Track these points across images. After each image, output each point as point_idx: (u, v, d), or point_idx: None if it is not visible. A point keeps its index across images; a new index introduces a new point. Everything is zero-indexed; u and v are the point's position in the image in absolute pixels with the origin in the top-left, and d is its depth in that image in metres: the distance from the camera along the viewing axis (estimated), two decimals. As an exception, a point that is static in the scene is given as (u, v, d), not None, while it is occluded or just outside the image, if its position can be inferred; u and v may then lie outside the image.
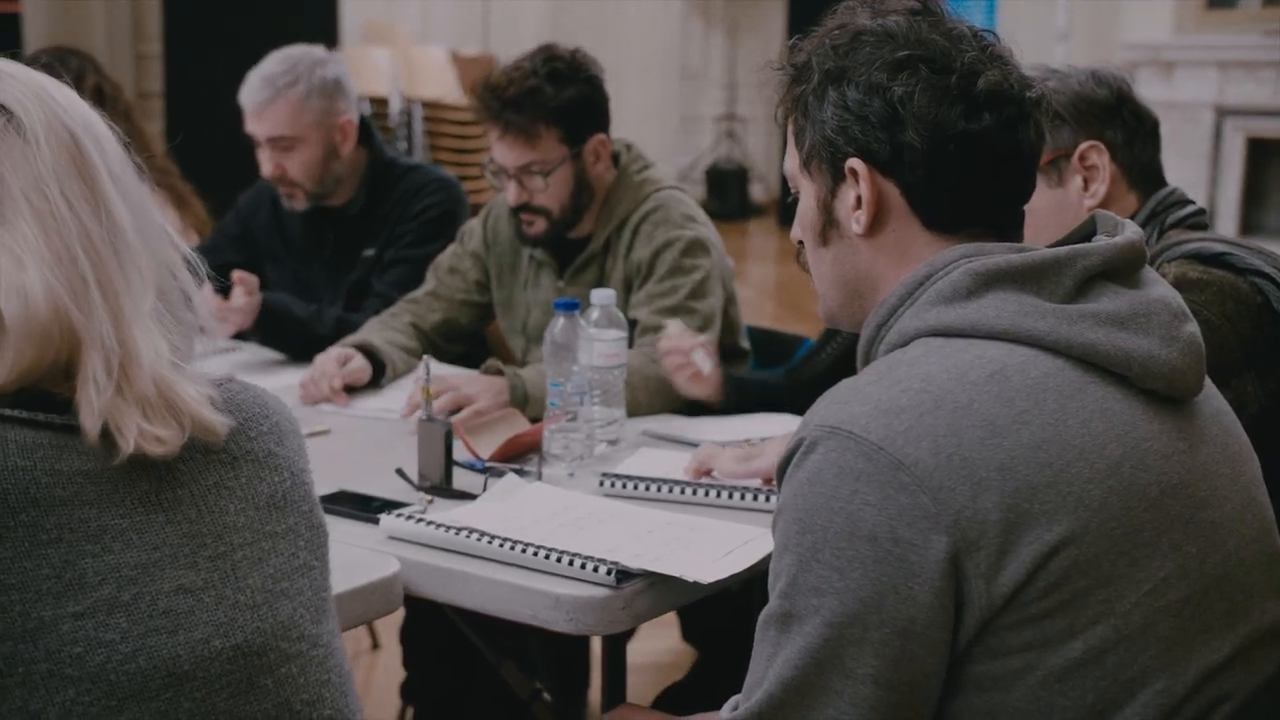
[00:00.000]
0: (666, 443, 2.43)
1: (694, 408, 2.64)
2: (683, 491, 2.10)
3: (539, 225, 2.80)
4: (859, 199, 1.44)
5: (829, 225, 1.49)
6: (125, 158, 1.27)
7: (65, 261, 1.17)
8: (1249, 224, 8.96)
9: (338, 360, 2.70)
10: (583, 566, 1.77)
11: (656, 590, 1.80)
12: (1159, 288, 1.41)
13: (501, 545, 1.83)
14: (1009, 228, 1.46)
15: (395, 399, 2.66)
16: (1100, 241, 1.40)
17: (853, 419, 1.30)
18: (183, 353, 1.25)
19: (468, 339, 3.05)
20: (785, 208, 10.55)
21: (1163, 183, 2.08)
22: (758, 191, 10.92)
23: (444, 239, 3.16)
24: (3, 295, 1.14)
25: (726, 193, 10.54)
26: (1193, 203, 2.05)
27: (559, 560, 1.79)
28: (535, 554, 1.80)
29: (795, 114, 1.50)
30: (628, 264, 2.80)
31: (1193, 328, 1.40)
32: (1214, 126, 8.88)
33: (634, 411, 2.51)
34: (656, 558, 1.82)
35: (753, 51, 10.91)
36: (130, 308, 1.20)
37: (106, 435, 1.16)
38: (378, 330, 2.87)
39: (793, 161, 1.52)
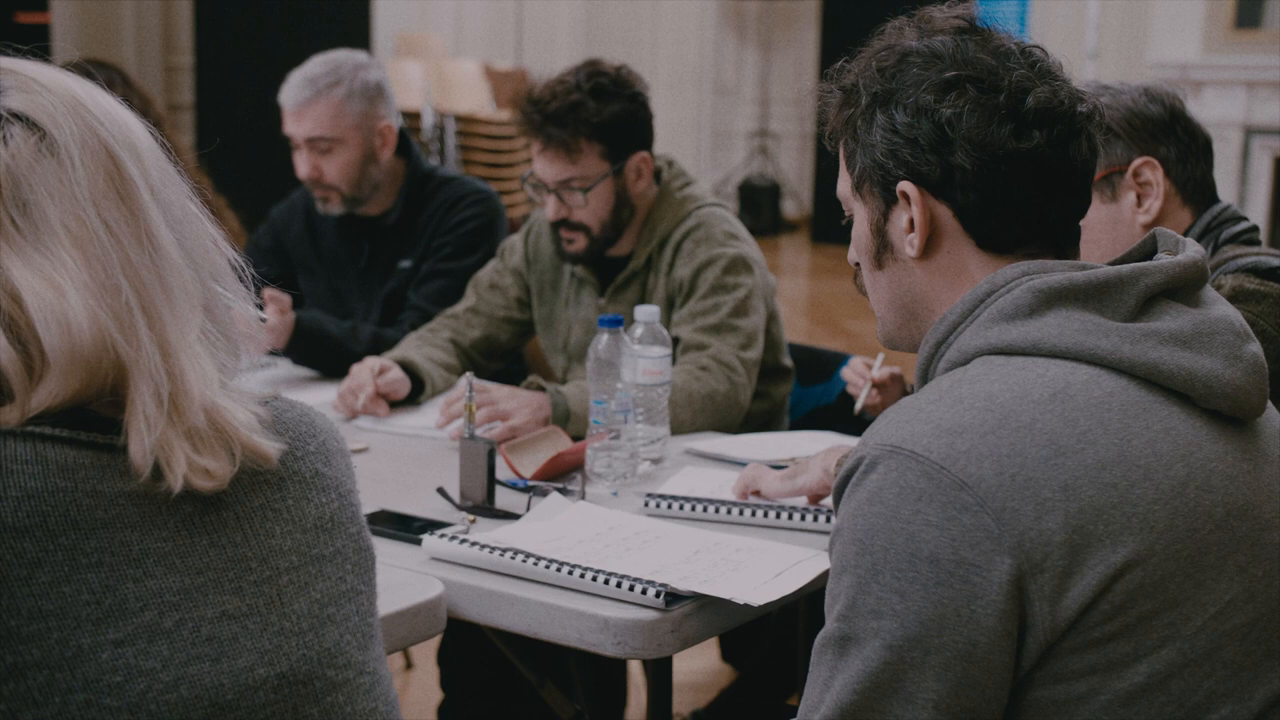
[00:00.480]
0: (710, 461, 2.40)
1: (740, 425, 2.61)
2: (729, 512, 2.06)
3: (579, 242, 2.78)
4: (911, 222, 1.42)
5: (883, 249, 1.47)
6: (166, 166, 1.23)
7: (108, 290, 1.13)
8: (1276, 241, 8.91)
9: (372, 370, 2.67)
10: (630, 588, 1.73)
11: (705, 613, 1.77)
12: (1221, 307, 1.38)
13: (547, 567, 1.80)
14: (1066, 245, 1.43)
15: (435, 416, 2.63)
16: (1163, 260, 1.37)
17: (914, 438, 1.27)
18: (230, 370, 1.22)
19: (507, 356, 3.02)
20: (817, 224, 10.54)
21: (1215, 199, 2.06)
22: (790, 207, 10.88)
23: (482, 252, 3.14)
24: (43, 325, 1.10)
25: (759, 208, 10.52)
26: (1245, 219, 2.04)
27: (606, 582, 1.75)
28: (582, 575, 1.77)
29: (845, 137, 1.49)
30: (669, 282, 2.77)
31: (1255, 348, 1.37)
32: (1242, 145, 8.85)
33: (677, 430, 2.48)
34: (705, 579, 1.79)
35: (786, 68, 10.89)
36: (177, 335, 1.16)
37: (155, 465, 1.13)
38: (416, 346, 2.84)
39: (845, 185, 1.51)
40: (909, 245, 1.43)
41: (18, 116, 1.14)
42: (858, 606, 1.27)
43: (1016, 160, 1.37)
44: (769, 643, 2.85)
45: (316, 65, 3.12)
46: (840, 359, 3.06)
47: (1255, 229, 2.03)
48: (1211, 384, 1.31)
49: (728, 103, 11.01)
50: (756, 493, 2.11)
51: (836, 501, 1.34)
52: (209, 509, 1.17)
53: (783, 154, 10.91)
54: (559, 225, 2.77)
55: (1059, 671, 1.25)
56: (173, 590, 1.14)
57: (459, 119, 8.89)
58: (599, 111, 2.69)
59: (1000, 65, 1.39)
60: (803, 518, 2.03)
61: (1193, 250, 1.39)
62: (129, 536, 1.12)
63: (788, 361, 2.92)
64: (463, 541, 1.89)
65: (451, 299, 3.03)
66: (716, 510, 2.07)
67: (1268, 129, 8.76)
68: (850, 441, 2.09)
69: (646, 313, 2.35)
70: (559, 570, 1.79)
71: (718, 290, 2.70)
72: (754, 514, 2.05)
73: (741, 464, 2.35)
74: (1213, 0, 9.07)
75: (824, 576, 1.83)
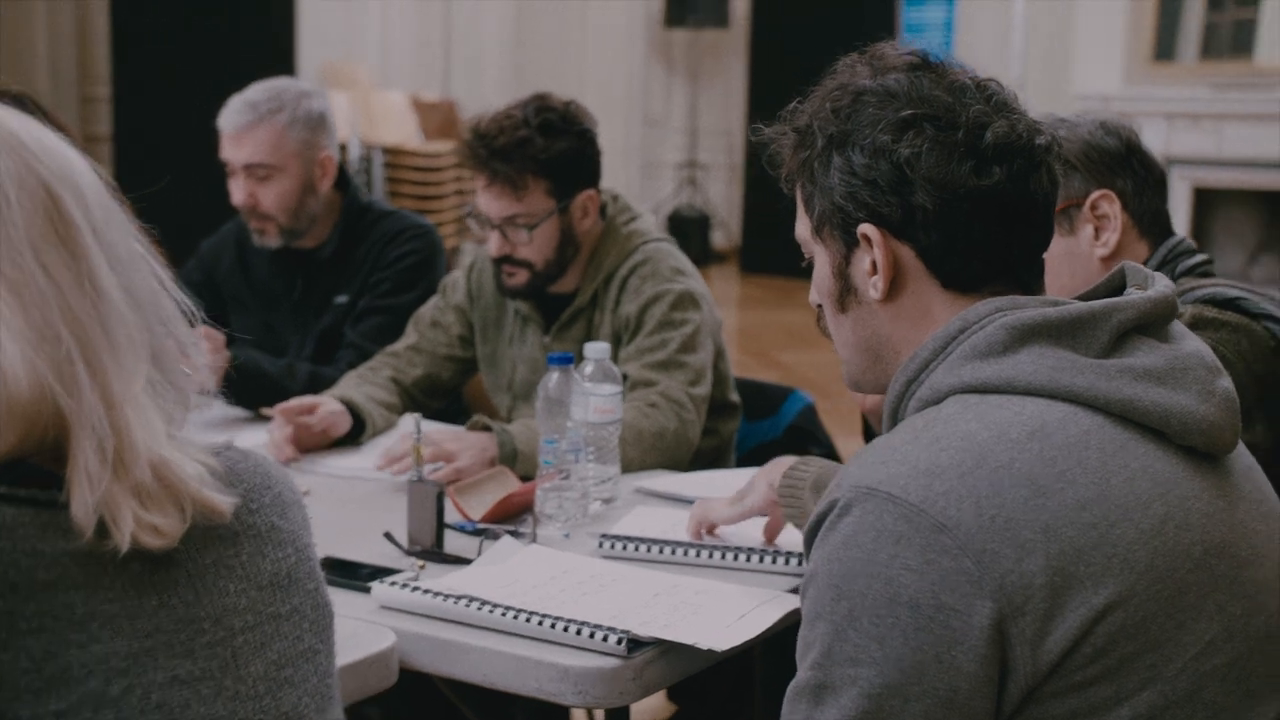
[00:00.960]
0: (662, 500, 2.35)
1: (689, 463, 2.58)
2: (685, 553, 2.02)
3: (520, 277, 2.73)
4: (874, 264, 1.40)
5: (846, 292, 1.45)
6: (110, 204, 1.16)
7: (47, 339, 1.06)
8: (1206, 270, 9.04)
9: (308, 408, 2.61)
10: (591, 635, 1.69)
11: (668, 659, 1.73)
12: (1191, 342, 1.37)
13: (504, 614, 1.75)
14: (1030, 280, 1.41)
15: (375, 458, 2.57)
16: (1134, 295, 1.36)
17: (890, 479, 1.24)
18: (178, 420, 1.15)
19: (449, 394, 2.96)
20: (746, 254, 10.55)
21: (1170, 231, 2.06)
22: (719, 238, 10.89)
23: (421, 288, 3.08)
24: None
25: (688, 239, 10.50)
26: (1200, 251, 2.04)
27: (565, 629, 1.70)
28: (540, 623, 1.72)
29: (802, 180, 1.46)
30: (616, 318, 2.73)
31: (1227, 382, 1.36)
32: (1162, 176, 8.99)
33: (626, 468, 2.44)
34: (666, 624, 1.75)
35: (714, 98, 10.91)
36: (121, 386, 1.09)
37: (100, 523, 1.06)
38: (356, 385, 2.78)
39: (804, 228, 1.48)
40: (873, 288, 1.41)
41: None
42: (834, 654, 1.23)
43: (978, 197, 1.35)
44: (724, 684, 2.81)
45: (259, 90, 3.06)
46: (786, 393, 3.04)
47: (1210, 261, 2.04)
48: (1186, 420, 1.30)
49: (656, 133, 11.01)
50: (712, 527, 2.07)
51: (809, 546, 1.31)
52: (158, 567, 1.10)
53: (711, 185, 10.92)
54: (501, 261, 2.73)
55: (1040, 716, 1.22)
56: (120, 655, 1.07)
57: (386, 150, 8.82)
58: (547, 148, 2.65)
59: (956, 101, 1.37)
60: (760, 559, 1.99)
61: (1163, 285, 1.37)
62: (72, 599, 1.06)
63: (735, 397, 2.89)
64: (414, 589, 1.83)
65: (390, 336, 2.97)
66: (672, 551, 2.03)
67: (1186, 159, 8.91)
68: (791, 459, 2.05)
69: (597, 349, 2.31)
70: (516, 618, 1.74)
71: (665, 326, 2.67)
72: (710, 555, 2.01)
73: (692, 502, 2.30)
74: (1132, 33, 9.22)
75: (787, 619, 1.79)
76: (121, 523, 1.06)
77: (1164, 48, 9.36)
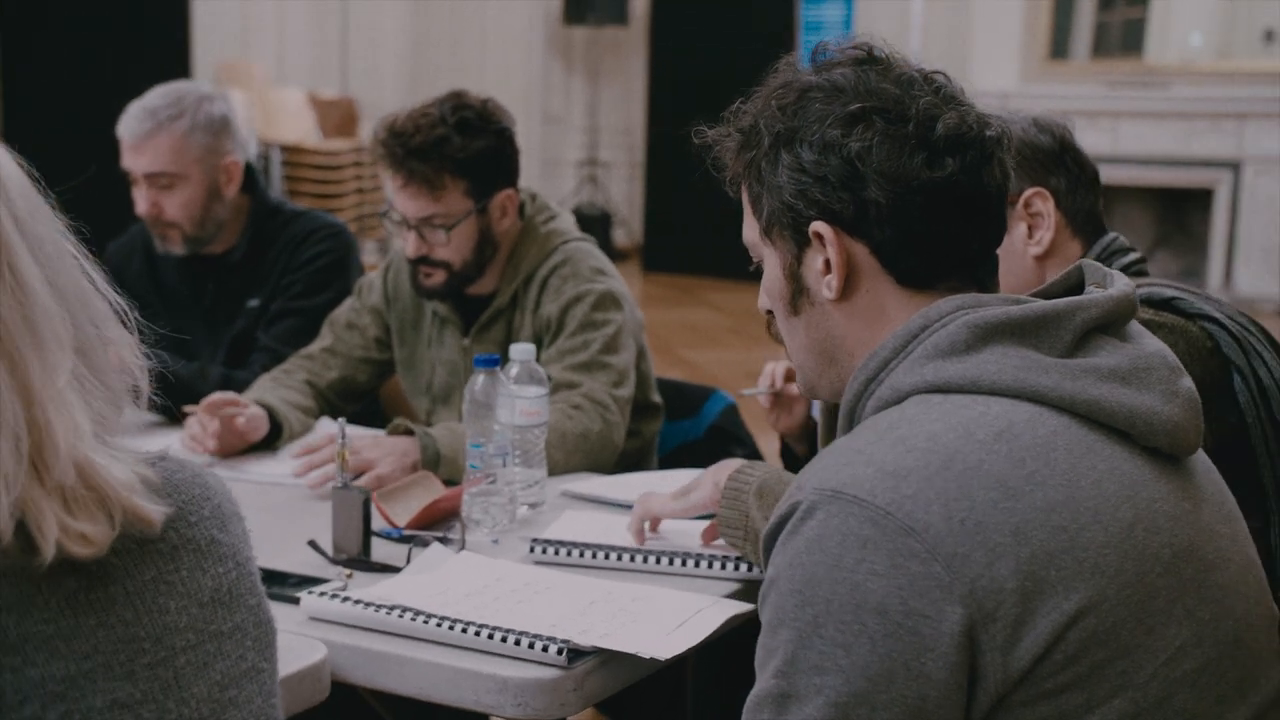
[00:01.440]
0: (589, 504, 2.32)
1: (614, 466, 2.54)
2: (619, 558, 1.99)
3: (437, 278, 2.68)
4: (827, 263, 1.37)
5: (798, 294, 1.42)
6: (34, 197, 1.11)
7: None
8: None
9: (225, 403, 2.53)
10: (531, 646, 1.65)
11: (609, 669, 1.69)
12: (1152, 341, 1.35)
13: (439, 625, 1.70)
14: (985, 276, 1.40)
15: (293, 463, 2.50)
16: (1096, 294, 1.34)
17: (855, 481, 1.21)
18: (110, 423, 1.09)
19: (366, 397, 2.90)
20: (648, 252, 10.53)
21: (1104, 230, 2.05)
22: (620, 236, 10.86)
23: (335, 289, 3.01)
24: None
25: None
26: (1134, 249, 2.03)
27: (504, 640, 1.66)
28: (478, 633, 1.68)
29: (749, 181, 1.43)
30: (536, 319, 2.69)
31: (1189, 382, 1.34)
32: (1060, 172, 9.12)
33: (550, 471, 2.40)
34: (606, 633, 1.71)
35: (614, 96, 10.87)
36: (42, 381, 1.03)
37: (24, 532, 1.01)
38: (271, 388, 2.71)
39: (752, 230, 1.45)
40: (826, 288, 1.38)
41: None
42: (798, 662, 1.20)
43: (931, 190, 1.33)
44: (658, 693, 2.77)
45: (157, 96, 2.97)
46: (708, 393, 3.01)
47: (1144, 260, 2.03)
48: (1151, 421, 1.28)
49: (556, 131, 10.95)
50: (655, 522, 2.04)
51: (768, 550, 1.27)
52: (95, 584, 1.04)
53: (612, 183, 10.89)
54: (418, 262, 2.67)
55: None
56: (56, 679, 1.02)
57: (285, 149, 8.69)
58: (464, 147, 2.60)
59: (905, 94, 1.35)
60: (696, 564, 1.96)
61: (1122, 284, 1.36)
62: (4, 621, 1.00)
63: (657, 398, 2.86)
64: (344, 599, 1.78)
65: (304, 339, 2.90)
66: (606, 556, 1.99)
67: (1082, 157, 9.05)
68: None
69: (522, 351, 2.27)
70: (452, 628, 1.70)
71: (587, 327, 2.63)
72: (645, 560, 1.98)
73: (622, 505, 2.28)
74: (1028, 31, 9.34)
75: (726, 624, 1.77)
76: (46, 529, 1.00)
77: (1059, 46, 9.51)
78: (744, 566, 1.94)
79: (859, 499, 1.20)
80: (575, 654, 1.66)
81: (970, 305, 1.31)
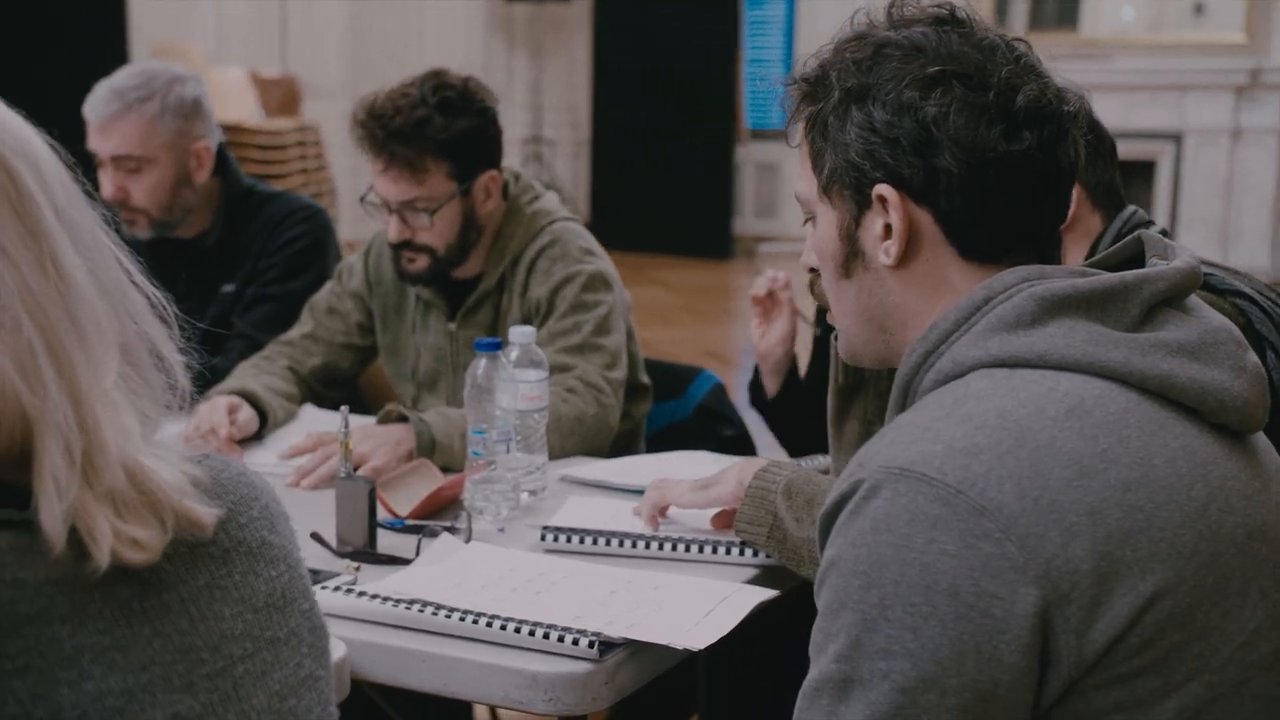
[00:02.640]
0: (591, 489, 2.27)
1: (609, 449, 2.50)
2: (633, 545, 1.95)
3: (421, 263, 2.62)
4: (888, 228, 1.32)
5: (852, 256, 1.36)
6: (70, 184, 1.05)
7: (6, 328, 0.95)
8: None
9: (228, 409, 2.46)
10: (561, 639, 1.60)
11: (639, 660, 1.65)
12: (1215, 315, 1.31)
13: (463, 619, 1.66)
14: (1050, 254, 1.35)
15: (279, 451, 2.44)
16: (1162, 266, 1.29)
17: (924, 459, 1.16)
18: (153, 421, 1.04)
19: (348, 384, 2.84)
20: (595, 230, 10.44)
21: (1123, 203, 2.03)
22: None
23: (313, 273, 2.95)
24: None
25: (533, 215, 10.36)
26: (1154, 223, 2.00)
27: (533, 634, 1.62)
28: (504, 627, 1.63)
29: (812, 134, 1.37)
30: (525, 302, 2.63)
31: (1254, 358, 1.30)
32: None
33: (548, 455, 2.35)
34: (633, 624, 1.67)
35: (558, 73, 10.79)
36: (89, 381, 0.98)
37: (75, 540, 0.95)
38: (254, 375, 2.64)
39: (808, 186, 1.39)
40: (884, 253, 1.33)
41: None
42: (863, 645, 1.15)
43: (1006, 163, 1.28)
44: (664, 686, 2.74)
45: (127, 76, 2.87)
46: (695, 373, 2.98)
47: (1167, 234, 2.01)
48: (1222, 397, 1.24)
49: (499, 109, 10.86)
50: (665, 509, 2.00)
51: (824, 532, 1.23)
52: (149, 592, 0.99)
53: (558, 160, 10.82)
54: (401, 246, 2.61)
55: (1081, 710, 1.16)
56: (115, 693, 0.96)
57: (226, 129, 8.51)
58: (447, 128, 2.53)
59: (987, 60, 1.30)
60: (714, 550, 1.93)
61: (1187, 255, 1.32)
62: (59, 632, 0.94)
63: (646, 379, 2.82)
64: (359, 594, 1.73)
65: (282, 325, 2.83)
66: (620, 543, 1.95)
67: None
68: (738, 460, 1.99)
69: (522, 334, 2.22)
70: (476, 623, 1.65)
71: (578, 309, 2.58)
72: (660, 547, 1.94)
73: (625, 490, 2.24)
74: (967, 5, 9.34)
75: (755, 611, 1.73)
76: (99, 536, 0.95)
77: (998, 19, 9.52)
78: (762, 553, 1.90)
79: (928, 477, 1.15)
80: (606, 646, 1.61)
81: (1035, 277, 1.26)
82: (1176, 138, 9.36)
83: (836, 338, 1.91)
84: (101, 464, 0.96)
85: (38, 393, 0.95)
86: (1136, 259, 1.36)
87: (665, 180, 9.97)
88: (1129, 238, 1.38)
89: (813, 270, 1.43)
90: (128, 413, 1.00)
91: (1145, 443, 1.20)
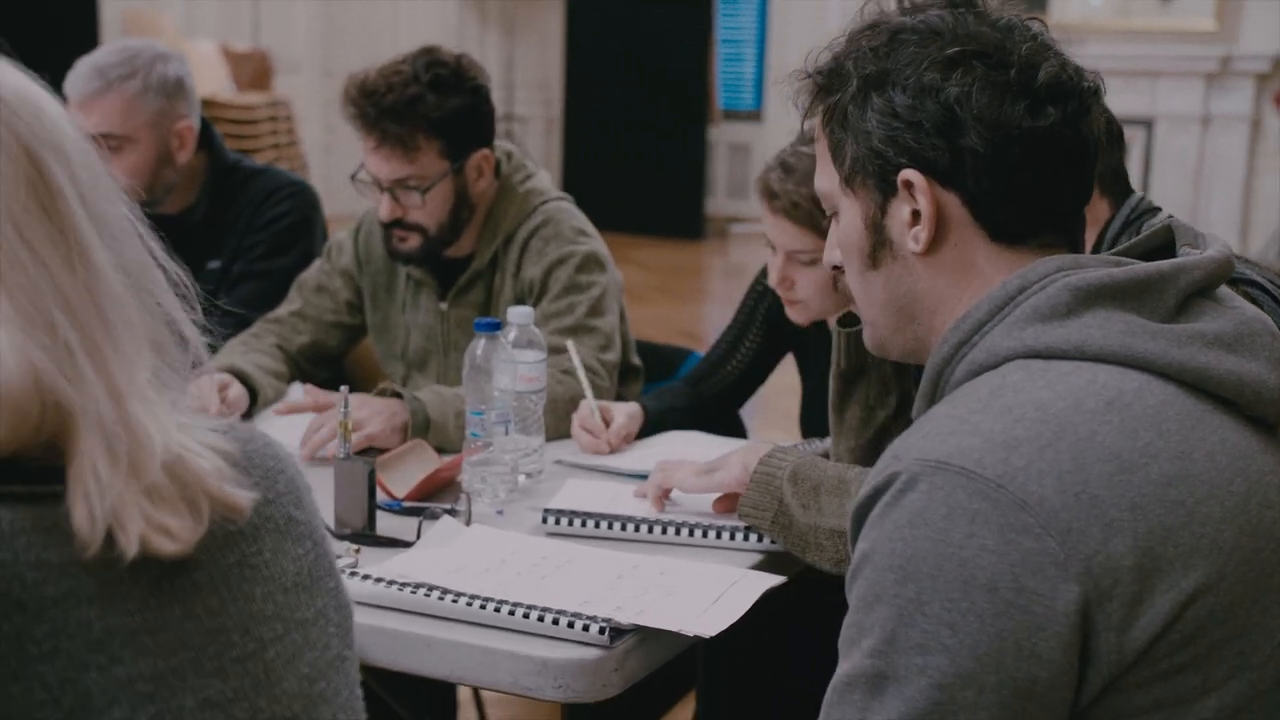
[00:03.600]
0: (588, 472, 2.26)
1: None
2: (635, 529, 1.93)
3: (412, 242, 2.58)
4: (915, 214, 1.30)
5: (880, 246, 1.34)
6: (95, 164, 1.03)
7: (39, 325, 0.93)
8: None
9: (219, 387, 2.42)
10: (571, 625, 1.59)
11: (647, 647, 1.64)
12: (1249, 306, 1.29)
13: (470, 604, 1.64)
14: (1076, 235, 1.34)
15: (274, 430, 2.41)
16: (1197, 255, 1.28)
17: (963, 452, 1.14)
18: (181, 405, 1.01)
19: (337, 362, 2.81)
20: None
21: (1130, 189, 2.01)
22: (536, 192, 10.78)
23: (300, 249, 2.91)
24: None
25: (504, 193, 10.31)
26: (1160, 209, 1.99)
27: (542, 619, 1.60)
28: (512, 613, 1.61)
29: (830, 126, 1.35)
30: (518, 282, 2.61)
31: None
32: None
33: (542, 437, 2.33)
34: (642, 610, 1.65)
35: (530, 51, 10.73)
36: (125, 378, 0.96)
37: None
38: (243, 353, 2.60)
39: (829, 179, 1.37)
40: (913, 240, 1.31)
41: None
42: (898, 641, 1.13)
43: (1032, 139, 1.27)
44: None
45: (109, 54, 2.81)
46: (685, 355, 2.96)
47: (1172, 219, 1.99)
48: (1259, 389, 1.23)
49: (475, 86, 10.80)
50: (668, 491, 1.99)
51: (857, 526, 1.20)
52: (178, 571, 0.97)
53: (529, 138, 10.77)
54: (392, 225, 2.58)
55: (1120, 708, 1.15)
56: (145, 677, 0.94)
57: (196, 103, 8.45)
58: (439, 106, 2.50)
59: (1006, 39, 1.29)
60: (717, 535, 1.91)
61: (1220, 245, 1.30)
62: (87, 614, 0.92)
63: (637, 361, 2.80)
64: (364, 577, 1.71)
65: (270, 302, 2.79)
66: (622, 527, 1.93)
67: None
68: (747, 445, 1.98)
69: (521, 314, 2.20)
70: (484, 607, 1.63)
71: (571, 290, 2.56)
72: (664, 531, 1.92)
73: (622, 473, 2.22)
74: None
75: (763, 596, 1.72)
76: (129, 525, 0.93)
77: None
78: (767, 538, 1.89)
79: (967, 470, 1.13)
80: (616, 632, 1.60)
81: (1069, 267, 1.25)
82: (1148, 124, 9.39)
83: (844, 315, 1.90)
84: (145, 462, 0.94)
85: (79, 390, 0.93)
86: (1165, 248, 1.35)
87: (637, 159, 9.95)
88: (1158, 226, 1.37)
89: (836, 268, 1.41)
90: (163, 407, 0.98)
91: (1184, 436, 1.18)
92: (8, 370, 0.91)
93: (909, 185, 1.30)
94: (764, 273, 2.52)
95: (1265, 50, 8.96)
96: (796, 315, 2.36)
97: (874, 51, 1.31)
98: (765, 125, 10.48)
